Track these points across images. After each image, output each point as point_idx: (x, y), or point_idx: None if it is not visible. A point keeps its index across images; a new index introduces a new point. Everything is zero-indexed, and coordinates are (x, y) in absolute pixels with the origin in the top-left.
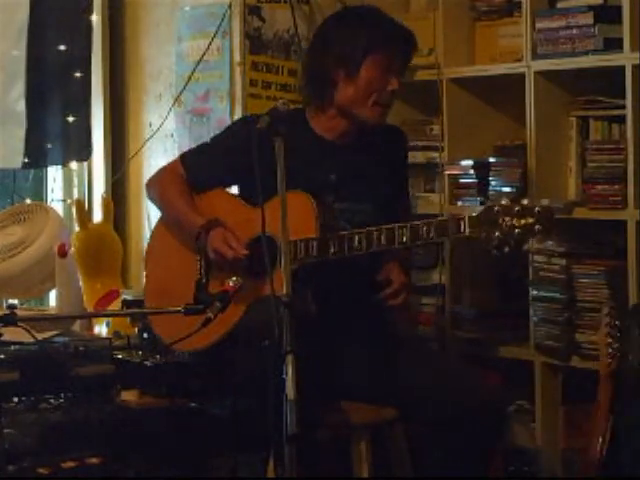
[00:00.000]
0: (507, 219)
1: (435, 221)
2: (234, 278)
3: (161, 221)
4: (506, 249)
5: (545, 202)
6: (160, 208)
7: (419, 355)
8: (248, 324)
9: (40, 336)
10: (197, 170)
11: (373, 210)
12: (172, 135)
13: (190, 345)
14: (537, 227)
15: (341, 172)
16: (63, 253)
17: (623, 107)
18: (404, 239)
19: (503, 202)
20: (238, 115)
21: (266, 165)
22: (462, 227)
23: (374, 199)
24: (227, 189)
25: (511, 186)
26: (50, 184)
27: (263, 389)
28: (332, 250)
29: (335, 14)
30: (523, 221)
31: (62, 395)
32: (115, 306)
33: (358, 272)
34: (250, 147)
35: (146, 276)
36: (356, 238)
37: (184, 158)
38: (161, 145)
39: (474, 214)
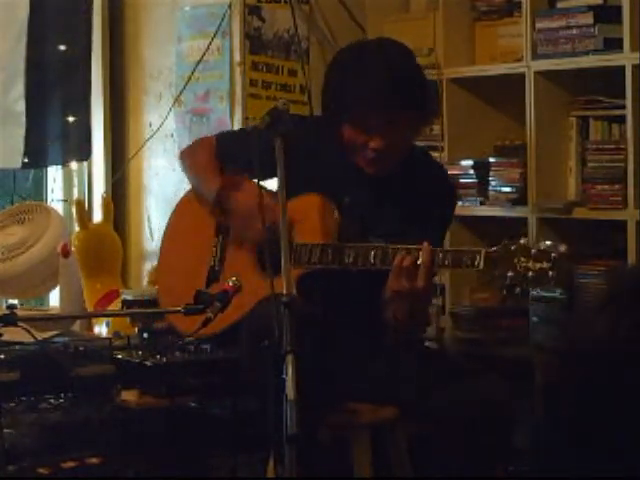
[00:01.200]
0: (523, 260)
1: (452, 250)
2: (234, 278)
3: (187, 197)
4: (517, 290)
5: (563, 248)
6: (188, 174)
7: (419, 355)
8: (252, 321)
9: (40, 336)
10: (226, 152)
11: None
12: (172, 135)
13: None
14: (551, 273)
15: (356, 197)
16: (66, 253)
17: (623, 107)
18: (418, 262)
19: (522, 241)
20: (238, 115)
21: (290, 166)
22: (477, 261)
23: (383, 233)
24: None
25: (511, 186)
26: (50, 184)
27: (263, 389)
28: (347, 261)
29: (343, 50)
30: (538, 265)
31: (62, 395)
32: (115, 306)
33: (362, 275)
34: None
35: (160, 250)
36: (372, 253)
37: (220, 136)
38: (161, 145)
39: (490, 250)
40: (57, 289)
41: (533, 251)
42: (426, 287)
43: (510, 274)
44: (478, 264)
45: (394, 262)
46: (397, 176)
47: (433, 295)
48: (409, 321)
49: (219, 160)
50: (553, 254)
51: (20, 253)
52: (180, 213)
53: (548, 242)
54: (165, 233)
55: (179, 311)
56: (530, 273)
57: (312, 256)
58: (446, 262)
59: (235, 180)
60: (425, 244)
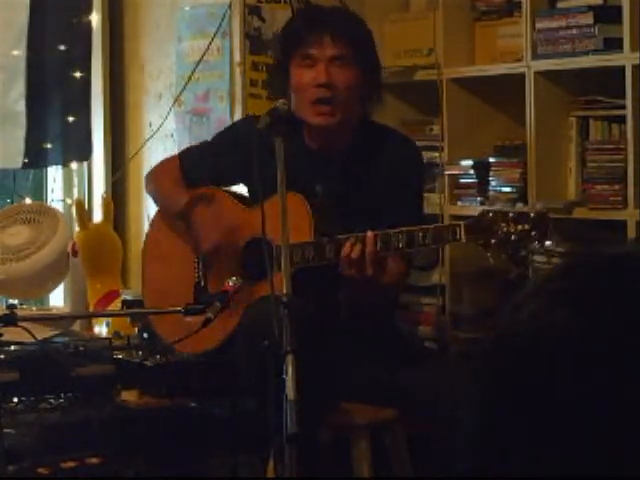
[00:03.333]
0: (503, 225)
1: (431, 228)
2: (234, 278)
3: (158, 216)
4: (503, 256)
5: (539, 205)
6: (155, 199)
7: (419, 355)
8: (246, 327)
9: (40, 336)
10: (192, 167)
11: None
12: (172, 135)
13: (190, 348)
14: (533, 233)
15: (326, 185)
16: (75, 252)
17: (623, 107)
18: (400, 245)
19: (498, 207)
20: (238, 115)
21: (261, 165)
22: (458, 234)
23: (362, 216)
24: (224, 189)
25: (511, 186)
26: (50, 184)
27: (263, 389)
28: (328, 255)
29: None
30: (520, 227)
31: (62, 395)
32: (115, 306)
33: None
34: (249, 146)
35: (143, 273)
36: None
37: (182, 154)
38: (161, 145)
39: (470, 221)
40: (59, 288)
41: (511, 214)
42: (374, 274)
43: (493, 241)
44: (460, 237)
45: (342, 252)
46: (361, 156)
47: (390, 277)
48: (365, 301)
49: (186, 182)
50: (531, 214)
51: (30, 254)
52: (156, 231)
53: (520, 205)
54: (144, 253)
55: (179, 311)
56: (513, 237)
57: (294, 256)
58: (427, 241)
59: (202, 196)
60: (369, 233)
